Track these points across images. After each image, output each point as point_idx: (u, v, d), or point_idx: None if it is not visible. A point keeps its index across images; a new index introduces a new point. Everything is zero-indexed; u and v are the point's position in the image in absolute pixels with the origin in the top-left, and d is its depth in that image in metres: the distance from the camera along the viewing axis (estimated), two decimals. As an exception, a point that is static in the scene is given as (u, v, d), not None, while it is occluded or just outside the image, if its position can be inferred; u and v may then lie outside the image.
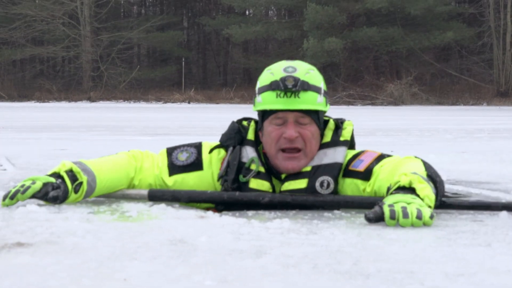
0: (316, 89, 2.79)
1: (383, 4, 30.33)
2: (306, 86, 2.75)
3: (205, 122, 13.88)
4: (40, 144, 7.70)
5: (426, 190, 2.40)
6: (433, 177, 2.53)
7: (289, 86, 2.73)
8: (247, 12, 38.67)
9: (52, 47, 36.26)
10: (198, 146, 2.97)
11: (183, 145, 2.99)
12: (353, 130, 2.92)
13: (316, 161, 2.80)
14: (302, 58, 27.92)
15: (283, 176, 2.82)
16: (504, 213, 2.57)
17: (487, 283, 1.62)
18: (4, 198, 2.62)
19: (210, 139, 3.06)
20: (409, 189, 2.40)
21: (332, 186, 2.76)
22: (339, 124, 2.89)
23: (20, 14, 35.51)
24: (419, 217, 2.25)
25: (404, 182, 2.41)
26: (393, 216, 2.25)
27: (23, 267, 1.74)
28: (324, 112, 2.88)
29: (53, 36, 36.21)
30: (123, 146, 5.89)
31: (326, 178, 2.76)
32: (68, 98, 32.11)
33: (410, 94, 28.37)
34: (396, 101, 27.77)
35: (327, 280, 1.65)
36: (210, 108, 23.59)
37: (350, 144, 2.90)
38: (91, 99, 31.52)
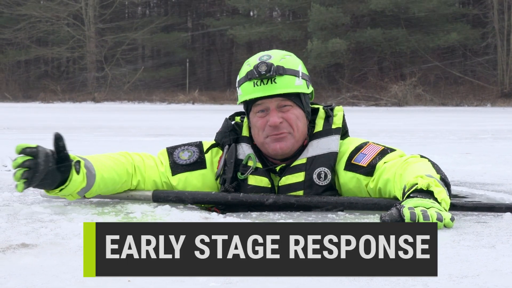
0: (293, 72, 2.80)
1: (387, 5, 30.29)
2: (281, 71, 2.76)
3: (209, 122, 13.85)
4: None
5: (443, 194, 2.38)
6: (445, 180, 2.53)
7: (262, 72, 2.74)
8: (251, 13, 38.65)
9: (56, 48, 36.28)
10: (199, 145, 2.98)
11: (183, 144, 3.00)
12: (343, 115, 2.92)
13: (311, 152, 2.81)
14: (306, 59, 27.93)
15: (277, 168, 2.83)
16: (508, 215, 2.57)
17: (491, 284, 1.62)
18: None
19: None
20: (426, 192, 2.38)
21: (329, 177, 2.77)
22: (329, 112, 2.90)
23: (24, 15, 35.56)
24: (439, 219, 2.24)
25: (421, 185, 2.38)
26: (413, 218, 2.21)
27: (28, 268, 1.74)
28: (308, 94, 2.88)
29: (58, 37, 36.23)
30: (127, 147, 5.86)
31: (323, 170, 2.77)
32: (73, 99, 32.10)
33: (414, 95, 28.28)
34: (400, 102, 27.70)
35: (331, 281, 1.65)
36: (214, 109, 23.56)
37: (343, 130, 2.91)
38: (95, 100, 31.50)
